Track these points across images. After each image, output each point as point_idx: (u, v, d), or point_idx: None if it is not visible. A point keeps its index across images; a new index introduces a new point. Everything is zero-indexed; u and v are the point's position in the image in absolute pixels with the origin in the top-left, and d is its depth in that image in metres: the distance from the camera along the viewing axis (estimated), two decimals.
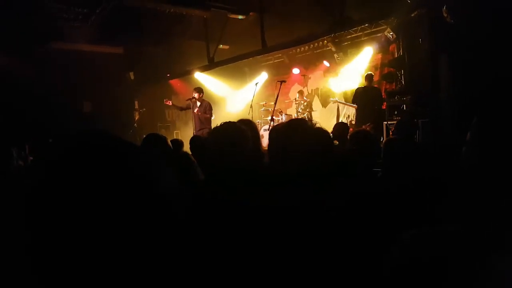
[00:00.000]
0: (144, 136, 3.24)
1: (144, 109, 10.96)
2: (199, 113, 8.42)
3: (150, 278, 0.65)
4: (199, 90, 8.59)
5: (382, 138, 7.12)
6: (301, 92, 10.03)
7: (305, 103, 9.73)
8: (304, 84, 10.65)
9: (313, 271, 1.30)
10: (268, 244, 1.34)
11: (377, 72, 9.76)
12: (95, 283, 0.60)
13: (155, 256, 0.65)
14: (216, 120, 9.11)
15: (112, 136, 0.71)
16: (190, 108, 8.68)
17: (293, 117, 9.30)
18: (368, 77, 8.14)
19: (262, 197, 1.41)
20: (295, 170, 1.52)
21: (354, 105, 8.30)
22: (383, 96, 8.18)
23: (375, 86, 8.46)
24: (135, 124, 10.71)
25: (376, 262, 1.26)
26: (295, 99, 10.06)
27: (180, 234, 0.71)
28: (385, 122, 7.46)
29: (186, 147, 4.31)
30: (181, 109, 9.02)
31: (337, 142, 6.57)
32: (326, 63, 10.69)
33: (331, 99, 10.03)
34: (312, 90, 11.11)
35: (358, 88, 8.35)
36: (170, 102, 8.89)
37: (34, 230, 0.60)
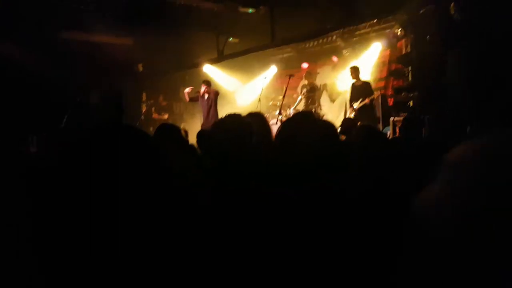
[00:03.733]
0: (157, 127, 3.36)
1: (152, 101, 11.04)
2: (206, 108, 8.55)
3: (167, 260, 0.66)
4: (207, 83, 8.72)
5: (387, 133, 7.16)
6: (309, 73, 9.85)
7: (309, 87, 9.51)
8: (314, 78, 10.60)
9: (317, 262, 1.30)
10: (271, 234, 1.33)
11: (385, 68, 9.73)
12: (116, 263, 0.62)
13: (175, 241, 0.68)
14: (224, 113, 9.15)
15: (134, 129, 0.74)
16: (197, 101, 8.80)
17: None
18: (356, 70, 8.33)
19: (262, 188, 1.44)
20: (298, 162, 1.54)
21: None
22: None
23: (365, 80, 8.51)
24: (142, 116, 10.79)
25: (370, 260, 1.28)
26: (303, 85, 9.85)
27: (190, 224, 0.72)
28: (392, 118, 7.47)
29: (192, 139, 4.39)
30: (190, 100, 9.09)
31: (344, 137, 6.61)
32: (334, 59, 10.67)
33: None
34: (320, 85, 11.10)
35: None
36: (190, 89, 8.93)
37: (53, 214, 0.62)
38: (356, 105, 8.15)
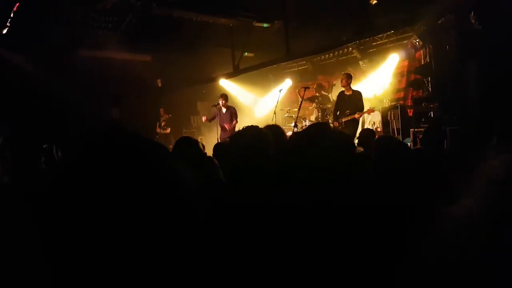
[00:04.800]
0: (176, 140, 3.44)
1: (170, 115, 11.17)
2: (224, 121, 8.59)
3: (164, 276, 0.64)
4: (225, 97, 8.80)
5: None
6: (319, 86, 9.73)
7: (320, 98, 9.36)
8: (329, 91, 10.59)
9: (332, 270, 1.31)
10: (288, 245, 1.34)
11: (404, 79, 9.62)
12: (107, 279, 0.61)
13: (169, 254, 0.65)
14: (240, 126, 9.31)
15: (131, 134, 0.72)
16: (215, 117, 8.89)
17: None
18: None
19: (280, 198, 1.43)
20: (314, 173, 1.52)
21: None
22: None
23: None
24: (161, 130, 10.94)
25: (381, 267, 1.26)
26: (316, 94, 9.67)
27: (200, 235, 0.71)
28: (412, 129, 7.35)
29: (209, 153, 4.40)
30: (210, 120, 9.19)
31: (362, 149, 6.51)
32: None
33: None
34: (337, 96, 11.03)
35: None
36: (205, 118, 9.22)
37: (50, 228, 0.61)
38: (343, 118, 7.28)
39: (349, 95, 7.36)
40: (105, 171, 0.63)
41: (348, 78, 7.38)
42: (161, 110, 11.08)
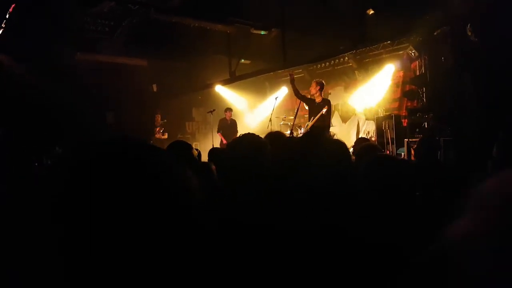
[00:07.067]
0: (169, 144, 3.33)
1: (165, 120, 11.14)
2: (233, 129, 9.81)
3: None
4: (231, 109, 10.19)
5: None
6: None
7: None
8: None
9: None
10: (276, 266, 1.31)
11: (399, 89, 9.68)
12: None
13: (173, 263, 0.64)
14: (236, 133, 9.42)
15: (140, 143, 0.70)
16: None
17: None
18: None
19: (273, 213, 1.39)
20: (308, 187, 1.46)
21: None
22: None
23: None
24: (156, 135, 10.89)
25: None
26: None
27: (205, 248, 0.69)
28: (407, 140, 7.38)
29: (204, 158, 4.39)
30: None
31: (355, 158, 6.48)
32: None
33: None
34: (333, 105, 11.06)
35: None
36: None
37: (57, 233, 0.59)
38: (309, 123, 7.22)
39: (318, 102, 7.30)
40: (109, 179, 0.61)
41: (317, 85, 7.25)
42: (157, 116, 11.02)
